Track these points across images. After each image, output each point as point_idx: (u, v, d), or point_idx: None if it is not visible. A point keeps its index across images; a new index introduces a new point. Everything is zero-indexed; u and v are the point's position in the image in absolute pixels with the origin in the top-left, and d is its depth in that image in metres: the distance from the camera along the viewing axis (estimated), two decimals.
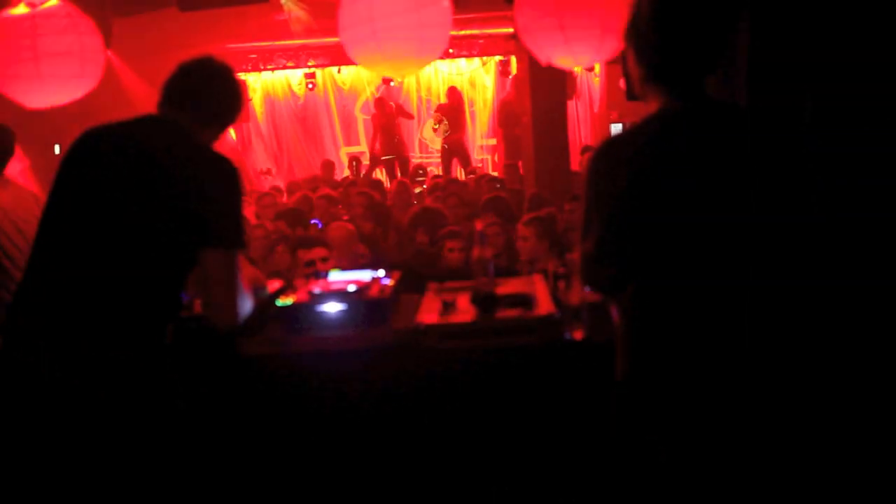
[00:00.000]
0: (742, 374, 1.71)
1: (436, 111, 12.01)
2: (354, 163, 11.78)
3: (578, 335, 2.36)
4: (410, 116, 12.22)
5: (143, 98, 7.87)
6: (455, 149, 11.39)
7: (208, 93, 2.16)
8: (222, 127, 2.23)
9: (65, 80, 4.24)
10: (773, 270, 1.72)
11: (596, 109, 11.94)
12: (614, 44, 4.36)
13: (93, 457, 1.93)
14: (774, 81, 2.46)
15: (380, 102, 11.54)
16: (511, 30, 6.83)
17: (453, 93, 11.79)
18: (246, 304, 2.10)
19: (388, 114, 11.41)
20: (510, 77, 11.60)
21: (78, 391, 1.90)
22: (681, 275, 1.72)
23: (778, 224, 1.72)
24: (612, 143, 1.82)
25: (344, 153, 12.64)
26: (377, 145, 11.38)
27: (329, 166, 10.91)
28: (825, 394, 1.85)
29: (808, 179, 1.75)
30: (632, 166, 1.72)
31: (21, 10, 4.23)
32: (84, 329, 1.94)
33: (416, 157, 12.12)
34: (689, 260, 1.72)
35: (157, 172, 2.00)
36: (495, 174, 9.75)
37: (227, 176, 2.06)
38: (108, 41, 5.35)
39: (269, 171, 11.93)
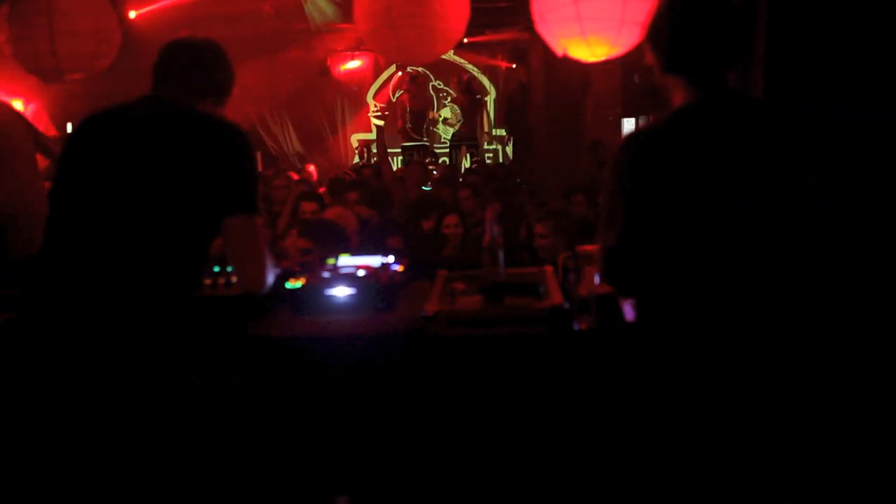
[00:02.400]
0: (765, 370, 1.71)
1: (450, 101, 11.98)
2: (365, 149, 11.75)
3: (586, 326, 2.35)
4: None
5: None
6: (465, 139, 11.38)
7: (195, 66, 2.14)
8: (219, 99, 2.19)
9: (78, 58, 4.27)
10: (796, 261, 1.71)
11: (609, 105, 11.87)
12: (632, 37, 4.33)
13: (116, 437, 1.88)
14: (790, 72, 2.45)
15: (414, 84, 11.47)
16: (526, 23, 6.83)
17: (470, 84, 11.76)
18: (272, 268, 2.07)
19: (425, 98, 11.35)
20: (518, 67, 11.53)
21: (101, 374, 1.85)
22: (704, 269, 1.72)
23: (802, 214, 1.72)
24: (636, 137, 1.81)
25: (355, 139, 12.63)
26: (407, 126, 11.28)
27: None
28: (852, 395, 1.85)
29: (828, 170, 1.75)
30: (656, 160, 1.72)
31: None
32: (105, 307, 1.88)
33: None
34: (713, 254, 1.71)
35: (163, 145, 1.97)
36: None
37: (234, 140, 2.02)
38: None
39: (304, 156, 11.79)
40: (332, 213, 4.38)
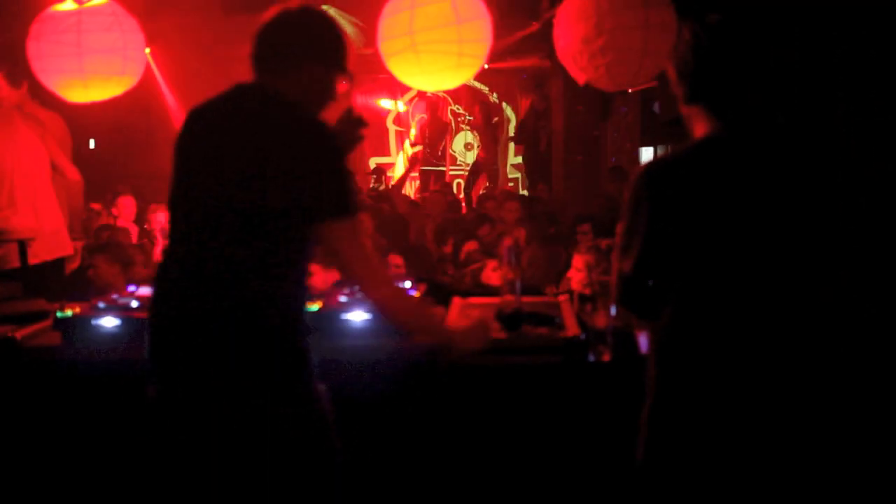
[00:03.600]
0: (783, 403, 1.70)
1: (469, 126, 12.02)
2: (375, 175, 11.65)
3: (603, 358, 2.34)
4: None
5: (181, 96, 7.95)
6: (484, 166, 11.38)
7: (285, 43, 1.93)
8: (329, 71, 1.96)
9: (107, 78, 4.31)
10: (816, 298, 1.70)
11: (627, 134, 11.90)
12: (653, 68, 4.35)
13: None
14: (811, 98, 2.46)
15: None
16: (547, 47, 6.86)
17: (485, 108, 11.78)
18: (386, 268, 1.95)
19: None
20: (543, 94, 11.57)
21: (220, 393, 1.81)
22: (719, 300, 1.71)
23: (819, 250, 1.71)
24: (656, 166, 1.81)
25: (372, 162, 12.68)
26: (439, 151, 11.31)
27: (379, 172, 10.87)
28: (877, 432, 1.82)
29: (849, 201, 1.74)
30: (676, 190, 1.72)
31: (68, 6, 4.30)
32: (217, 321, 1.81)
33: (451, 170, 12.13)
34: (728, 285, 1.70)
35: (254, 149, 1.83)
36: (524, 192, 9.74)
37: (326, 140, 1.86)
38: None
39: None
40: None
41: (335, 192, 1.83)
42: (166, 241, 1.99)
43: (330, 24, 1.98)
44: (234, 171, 1.81)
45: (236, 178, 1.81)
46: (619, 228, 1.80)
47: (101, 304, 2.63)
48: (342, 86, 2.01)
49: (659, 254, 1.72)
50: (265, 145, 1.81)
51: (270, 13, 1.96)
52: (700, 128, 1.81)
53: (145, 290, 2.80)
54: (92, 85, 4.35)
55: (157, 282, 1.93)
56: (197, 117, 1.95)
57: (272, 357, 1.81)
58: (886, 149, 2.47)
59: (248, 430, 1.81)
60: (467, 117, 12.38)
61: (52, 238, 4.16)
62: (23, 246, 4.08)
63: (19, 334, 2.55)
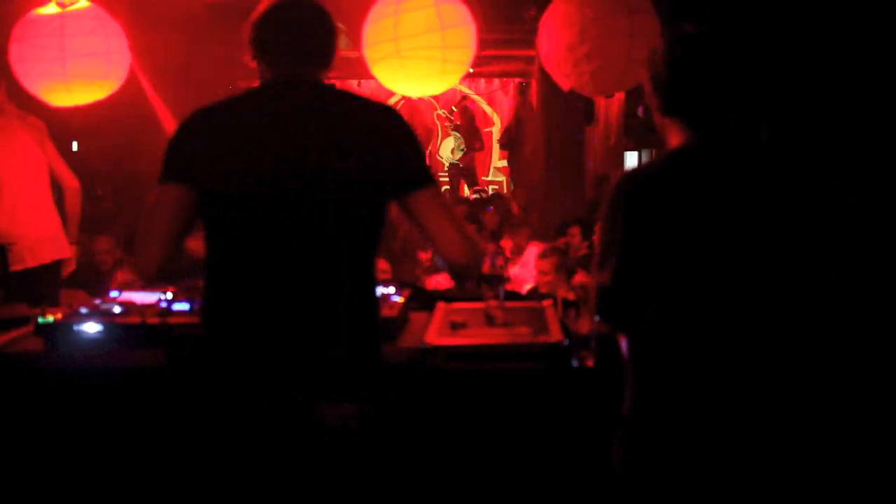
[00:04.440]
0: (760, 412, 1.71)
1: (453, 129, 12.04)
2: None
3: (586, 363, 2.35)
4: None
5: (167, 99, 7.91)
6: (466, 168, 11.41)
7: (318, 36, 1.90)
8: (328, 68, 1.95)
9: (90, 81, 4.29)
10: (793, 308, 1.72)
11: (611, 139, 11.97)
12: (636, 75, 4.37)
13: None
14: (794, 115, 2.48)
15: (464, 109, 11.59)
16: (531, 52, 6.89)
17: (467, 112, 11.82)
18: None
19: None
20: (516, 100, 11.61)
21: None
22: (697, 310, 1.72)
23: (798, 261, 1.73)
24: (634, 176, 1.82)
25: None
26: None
27: None
28: (852, 439, 1.84)
29: (828, 213, 1.76)
30: (652, 201, 1.73)
31: (51, 9, 4.27)
32: (303, 330, 1.77)
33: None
34: (706, 296, 1.72)
35: (343, 140, 1.79)
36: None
37: (394, 115, 1.86)
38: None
39: None
40: None
41: (419, 163, 1.85)
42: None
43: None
44: (319, 165, 1.76)
45: (323, 170, 1.76)
46: (597, 240, 1.81)
47: (84, 310, 2.61)
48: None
49: (637, 265, 1.72)
50: (351, 135, 1.79)
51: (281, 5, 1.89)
52: (674, 138, 1.81)
53: (128, 295, 2.79)
54: (75, 89, 4.32)
55: (222, 290, 1.82)
56: (230, 116, 1.84)
57: (365, 367, 1.82)
58: (879, 149, 2.50)
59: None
60: (454, 122, 12.41)
61: (51, 243, 4.21)
62: (2, 251, 4.11)
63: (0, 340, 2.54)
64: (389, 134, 1.83)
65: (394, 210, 1.91)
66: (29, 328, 2.65)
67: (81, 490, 2.46)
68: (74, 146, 8.71)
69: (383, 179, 1.80)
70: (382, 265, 4.15)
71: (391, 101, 12.39)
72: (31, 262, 4.18)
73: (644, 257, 1.72)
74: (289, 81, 1.87)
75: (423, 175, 1.85)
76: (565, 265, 3.94)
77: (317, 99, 1.86)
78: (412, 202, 1.83)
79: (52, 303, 3.41)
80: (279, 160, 1.78)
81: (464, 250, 1.85)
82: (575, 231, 5.67)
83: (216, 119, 1.85)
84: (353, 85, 12.13)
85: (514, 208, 8.23)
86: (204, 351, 1.81)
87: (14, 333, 2.64)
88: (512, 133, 10.61)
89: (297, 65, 1.88)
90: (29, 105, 4.41)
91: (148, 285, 2.76)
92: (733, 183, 1.73)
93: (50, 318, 2.53)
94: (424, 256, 5.52)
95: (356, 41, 4.61)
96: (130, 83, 4.82)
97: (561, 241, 4.75)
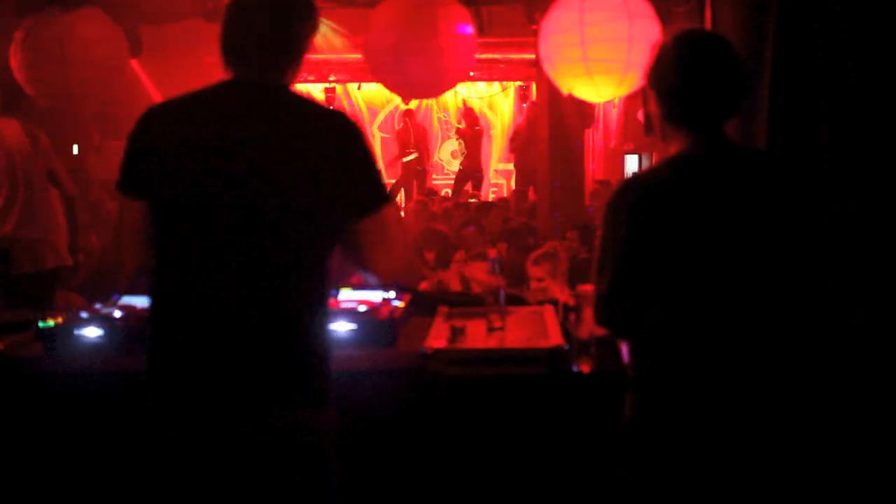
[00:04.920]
0: (761, 418, 1.71)
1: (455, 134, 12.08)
2: None
3: (586, 368, 2.35)
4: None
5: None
6: (470, 173, 11.42)
7: (276, 25, 1.78)
8: (299, 62, 1.83)
9: (89, 85, 4.30)
10: (793, 314, 1.72)
11: (612, 142, 12.00)
12: (637, 79, 4.38)
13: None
14: (794, 124, 2.48)
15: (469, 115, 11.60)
16: (532, 56, 6.90)
17: (470, 116, 11.83)
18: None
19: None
20: (528, 103, 11.63)
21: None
22: (695, 318, 1.72)
23: (797, 270, 1.73)
24: (632, 184, 1.82)
25: None
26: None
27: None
28: (853, 444, 1.83)
29: (824, 224, 1.76)
30: (650, 209, 1.72)
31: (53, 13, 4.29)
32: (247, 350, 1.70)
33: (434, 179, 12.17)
34: (704, 304, 1.71)
35: (291, 148, 1.71)
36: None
37: (348, 130, 1.75)
38: (138, 48, 5.45)
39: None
40: None
41: (372, 186, 1.76)
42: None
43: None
44: (269, 171, 1.69)
45: (272, 177, 1.68)
46: (597, 247, 1.80)
47: (84, 314, 2.61)
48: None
49: (637, 273, 1.72)
50: (299, 144, 1.71)
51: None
52: (677, 144, 1.81)
53: (128, 300, 2.79)
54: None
55: (161, 294, 1.77)
56: (180, 116, 1.77)
57: (313, 373, 1.77)
58: (878, 154, 2.49)
59: (261, 446, 1.71)
60: (455, 125, 12.44)
61: (51, 249, 4.21)
62: (3, 257, 4.12)
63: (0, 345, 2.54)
64: (349, 155, 1.73)
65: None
66: (29, 333, 2.65)
67: (81, 494, 2.45)
68: (75, 150, 8.72)
69: (335, 202, 1.71)
70: None
71: (389, 105, 12.45)
72: (28, 269, 4.18)
73: (645, 265, 1.72)
74: (241, 85, 1.77)
75: (376, 198, 1.76)
76: (560, 270, 3.93)
77: (278, 108, 1.76)
78: (360, 225, 1.75)
79: (51, 308, 3.41)
80: (222, 173, 1.70)
81: (391, 274, 1.86)
82: (573, 235, 5.66)
83: (167, 125, 1.77)
84: (354, 88, 12.23)
85: (514, 213, 8.24)
86: (150, 357, 1.76)
87: (14, 338, 2.64)
88: (522, 137, 10.62)
89: (250, 66, 1.77)
90: (28, 108, 4.42)
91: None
92: (740, 192, 1.72)
93: (50, 323, 2.53)
94: (430, 256, 5.51)
95: (356, 43, 4.61)
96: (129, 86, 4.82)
97: (549, 245, 4.73)
